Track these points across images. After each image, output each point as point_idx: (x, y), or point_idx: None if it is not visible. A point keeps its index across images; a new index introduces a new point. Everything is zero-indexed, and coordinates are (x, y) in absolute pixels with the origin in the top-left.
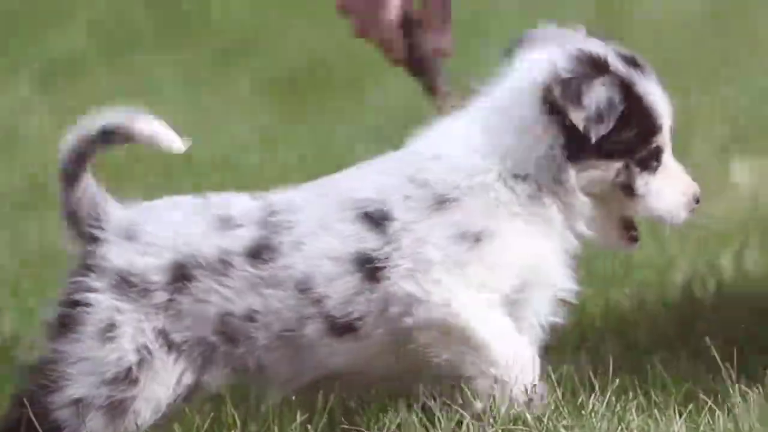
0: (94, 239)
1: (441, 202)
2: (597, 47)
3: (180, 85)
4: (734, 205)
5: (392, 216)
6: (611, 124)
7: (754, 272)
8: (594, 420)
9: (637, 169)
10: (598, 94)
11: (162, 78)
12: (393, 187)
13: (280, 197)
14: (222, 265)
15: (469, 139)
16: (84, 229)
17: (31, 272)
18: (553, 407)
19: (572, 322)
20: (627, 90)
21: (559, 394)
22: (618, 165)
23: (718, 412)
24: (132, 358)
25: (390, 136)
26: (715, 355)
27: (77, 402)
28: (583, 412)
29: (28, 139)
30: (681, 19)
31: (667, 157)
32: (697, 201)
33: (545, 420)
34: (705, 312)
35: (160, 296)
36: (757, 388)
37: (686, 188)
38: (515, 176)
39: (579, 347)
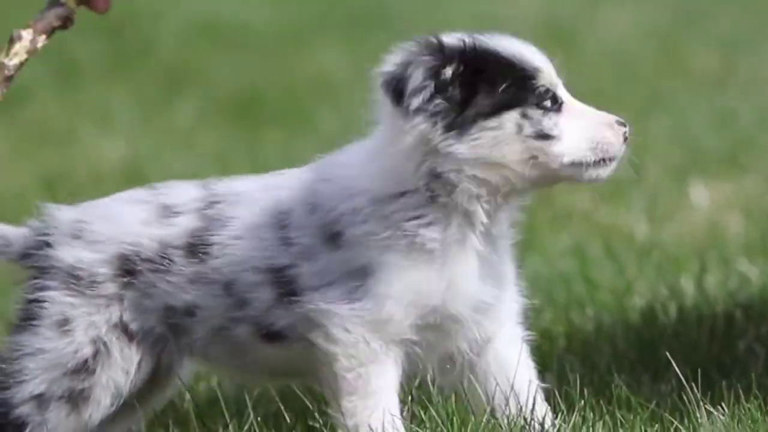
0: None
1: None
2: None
3: (128, 112)
4: (691, 228)
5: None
6: (431, 89)
7: (715, 294)
8: None
9: (537, 112)
10: (417, 64)
11: (111, 105)
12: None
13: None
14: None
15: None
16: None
17: None
18: (520, 427)
19: (535, 345)
20: (467, 52)
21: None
22: (512, 115)
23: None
24: (87, 350)
25: None
26: (679, 375)
27: (38, 396)
28: None
29: None
30: (636, 39)
31: (569, 99)
32: (624, 125)
33: None
34: (666, 335)
35: (109, 288)
36: (721, 407)
37: (604, 118)
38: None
39: (543, 369)
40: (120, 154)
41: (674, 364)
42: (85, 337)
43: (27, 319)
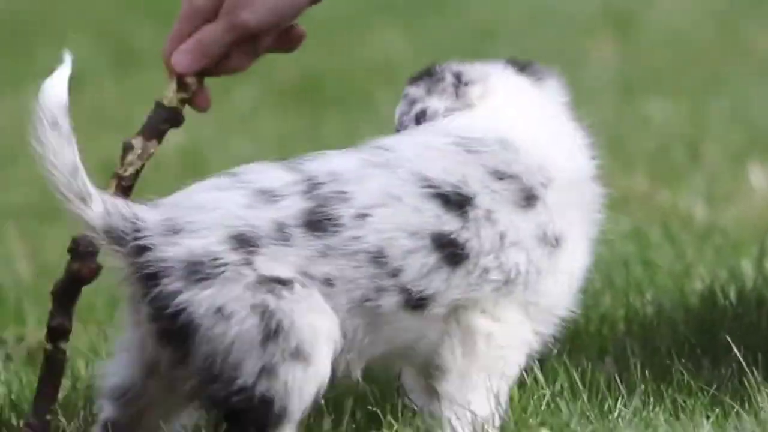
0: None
1: None
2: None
3: None
4: (750, 211)
5: None
6: None
7: None
8: (621, 425)
9: None
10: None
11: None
12: None
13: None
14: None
15: None
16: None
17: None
18: (579, 412)
19: (595, 329)
20: None
21: (585, 398)
22: None
23: (745, 416)
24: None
25: None
26: (740, 358)
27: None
28: (609, 417)
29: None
30: (695, 21)
31: None
32: None
33: (572, 425)
34: (726, 318)
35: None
36: None
37: None
38: None
39: (602, 353)
40: (179, 139)
41: (734, 348)
42: (247, 311)
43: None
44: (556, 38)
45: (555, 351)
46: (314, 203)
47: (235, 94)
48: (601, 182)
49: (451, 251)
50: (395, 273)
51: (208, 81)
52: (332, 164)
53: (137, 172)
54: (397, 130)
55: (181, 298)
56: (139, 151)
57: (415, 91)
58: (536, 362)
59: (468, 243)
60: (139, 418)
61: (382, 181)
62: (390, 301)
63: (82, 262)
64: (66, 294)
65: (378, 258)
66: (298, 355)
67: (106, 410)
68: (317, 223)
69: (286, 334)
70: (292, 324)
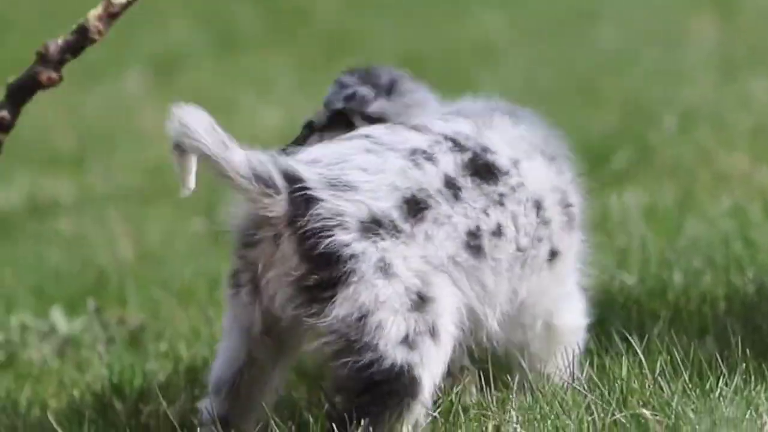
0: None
1: None
2: None
3: (287, 79)
4: None
5: None
6: None
7: None
8: (722, 404)
9: None
10: None
11: (269, 72)
12: None
13: None
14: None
15: None
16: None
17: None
18: (680, 391)
19: (695, 308)
20: None
21: (686, 377)
22: None
23: None
24: (416, 282)
25: None
26: None
27: (405, 339)
28: (710, 396)
29: (142, 133)
30: None
31: None
32: None
33: (673, 404)
34: None
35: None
36: None
37: None
38: None
39: (703, 333)
40: (277, 121)
41: None
42: (410, 273)
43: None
44: (657, 18)
45: (656, 331)
46: (471, 154)
47: (335, 76)
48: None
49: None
50: (547, 222)
51: (315, 60)
52: (454, 126)
53: (128, 4)
54: (326, 111)
55: (354, 247)
56: None
57: (348, 78)
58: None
59: None
60: (241, 411)
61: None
62: (544, 250)
63: (44, 68)
64: (20, 91)
65: (538, 206)
66: (434, 331)
67: (212, 406)
68: (484, 171)
69: (430, 308)
70: (435, 300)
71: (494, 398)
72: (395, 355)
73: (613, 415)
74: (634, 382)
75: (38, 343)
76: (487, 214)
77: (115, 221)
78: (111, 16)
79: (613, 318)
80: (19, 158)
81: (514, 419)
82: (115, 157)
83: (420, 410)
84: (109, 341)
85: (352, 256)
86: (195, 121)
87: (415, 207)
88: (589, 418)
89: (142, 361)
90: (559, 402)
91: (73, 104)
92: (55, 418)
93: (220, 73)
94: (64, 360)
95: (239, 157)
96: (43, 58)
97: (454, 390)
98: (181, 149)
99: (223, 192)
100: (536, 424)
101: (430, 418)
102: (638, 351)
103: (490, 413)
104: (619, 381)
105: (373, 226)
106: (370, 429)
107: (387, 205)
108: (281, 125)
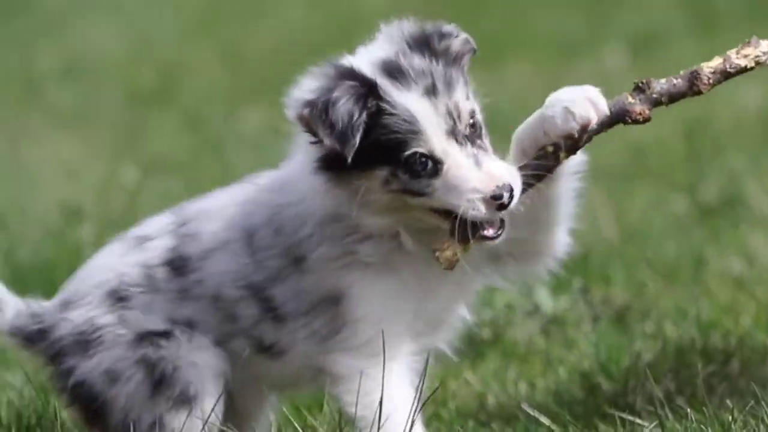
0: None
1: None
2: (361, 59)
3: None
4: None
5: None
6: (359, 136)
7: None
8: None
9: (405, 176)
10: (340, 109)
11: None
12: None
13: None
14: None
15: None
16: None
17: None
18: None
19: None
20: (369, 99)
21: None
22: (382, 173)
23: None
24: None
25: None
26: None
27: None
28: None
29: None
30: None
31: (452, 157)
32: (500, 197)
33: None
34: None
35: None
36: None
37: (481, 185)
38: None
39: None
40: (759, 100)
41: None
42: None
43: None
44: None
45: None
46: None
47: None
48: None
49: None
50: None
51: None
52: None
53: (744, 69)
54: None
55: (77, 372)
56: (759, 53)
57: None
58: None
59: None
60: None
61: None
62: None
63: (639, 102)
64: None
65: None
66: (183, 400)
67: None
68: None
69: (170, 382)
70: (174, 370)
71: None
72: None
73: None
74: None
75: (523, 321)
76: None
77: (598, 199)
78: (725, 74)
79: None
80: (500, 134)
81: None
82: (599, 136)
83: None
84: (594, 320)
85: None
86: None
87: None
88: None
89: (628, 340)
90: None
91: (553, 79)
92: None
93: (698, 53)
94: (550, 338)
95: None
96: (640, 91)
97: None
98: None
99: (703, 169)
100: None
101: None
102: None
103: None
104: None
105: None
106: None
107: (87, 308)
108: (764, 105)
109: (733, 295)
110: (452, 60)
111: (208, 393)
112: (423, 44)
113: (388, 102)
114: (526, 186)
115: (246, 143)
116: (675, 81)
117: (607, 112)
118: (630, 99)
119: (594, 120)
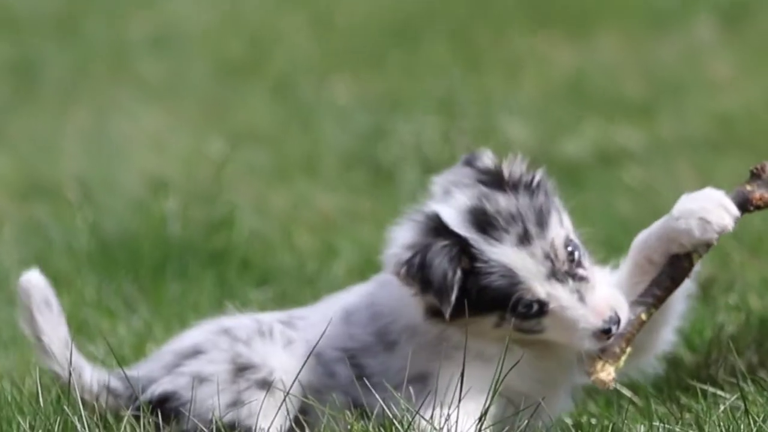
0: None
1: None
2: (450, 209)
3: None
4: None
5: None
6: (455, 294)
7: None
8: None
9: (514, 320)
10: (435, 269)
11: None
12: None
13: None
14: None
15: None
16: None
17: None
18: None
19: None
20: (465, 254)
21: None
22: (491, 318)
23: None
24: None
25: None
26: None
27: None
28: None
29: (712, 82)
30: None
31: (556, 298)
32: (608, 330)
33: None
34: None
35: None
36: None
37: (589, 320)
38: None
39: None
40: None
41: None
42: None
43: None
44: None
45: None
46: None
47: None
48: None
49: None
50: None
51: None
52: None
53: None
54: None
55: None
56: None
57: None
58: None
59: None
60: None
61: None
62: None
63: (758, 188)
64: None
65: None
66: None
67: None
68: None
69: None
70: None
71: None
72: None
73: None
74: None
75: None
76: None
77: (684, 171)
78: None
79: None
80: (588, 106)
81: None
82: (684, 106)
83: None
84: None
85: None
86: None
87: None
88: None
89: (711, 312)
90: None
91: (643, 51)
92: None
93: None
94: None
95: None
96: (757, 177)
97: None
98: None
99: None
100: None
101: None
102: None
103: None
104: None
105: None
106: None
107: None
108: None
109: None
110: (531, 183)
111: None
112: (497, 176)
113: (482, 260)
114: (664, 298)
115: (335, 114)
116: None
117: (738, 214)
118: (748, 187)
119: (730, 226)
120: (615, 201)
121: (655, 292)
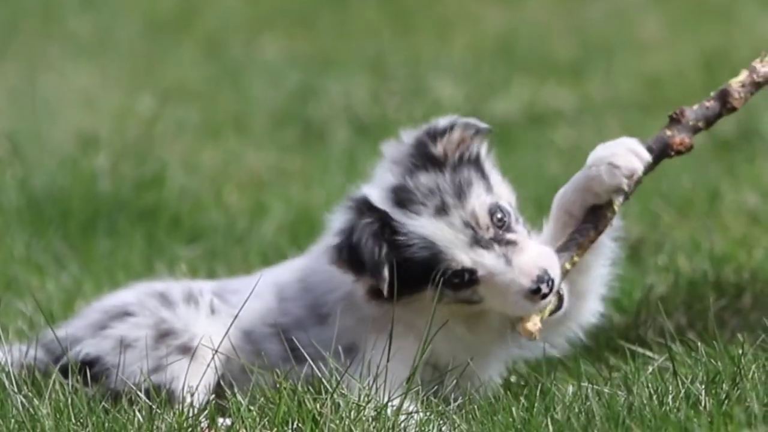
0: None
1: None
2: (375, 189)
3: None
4: None
5: None
6: (386, 268)
7: None
8: None
9: (450, 291)
10: (363, 247)
11: None
12: None
13: None
14: None
15: None
16: None
17: None
18: None
19: None
20: (387, 228)
21: None
22: (429, 293)
23: None
24: None
25: None
26: None
27: None
28: None
29: (642, 43)
30: None
31: (481, 264)
32: (538, 290)
33: None
34: None
35: None
36: None
37: (517, 282)
38: None
39: None
40: None
41: None
42: None
43: None
44: None
45: None
46: None
47: None
48: None
49: None
50: None
51: None
52: None
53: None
54: None
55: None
56: None
57: None
58: None
59: None
60: None
61: None
62: None
63: (677, 132)
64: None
65: None
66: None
67: None
68: None
69: None
70: None
71: None
72: None
73: None
74: None
75: None
76: None
77: (614, 131)
78: (755, 85)
79: None
80: (518, 66)
81: None
82: (613, 66)
83: None
84: None
85: None
86: None
87: None
88: None
89: (640, 273)
90: None
91: (572, 11)
92: None
93: None
94: None
95: None
96: (676, 122)
97: None
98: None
99: None
100: None
101: None
102: None
103: None
104: None
105: None
106: None
107: None
108: None
109: (747, 229)
110: (458, 158)
111: None
112: (424, 154)
113: (402, 233)
114: (586, 245)
115: (266, 72)
116: (707, 104)
117: (650, 158)
118: (668, 132)
119: (639, 169)
120: (545, 161)
121: (578, 239)
